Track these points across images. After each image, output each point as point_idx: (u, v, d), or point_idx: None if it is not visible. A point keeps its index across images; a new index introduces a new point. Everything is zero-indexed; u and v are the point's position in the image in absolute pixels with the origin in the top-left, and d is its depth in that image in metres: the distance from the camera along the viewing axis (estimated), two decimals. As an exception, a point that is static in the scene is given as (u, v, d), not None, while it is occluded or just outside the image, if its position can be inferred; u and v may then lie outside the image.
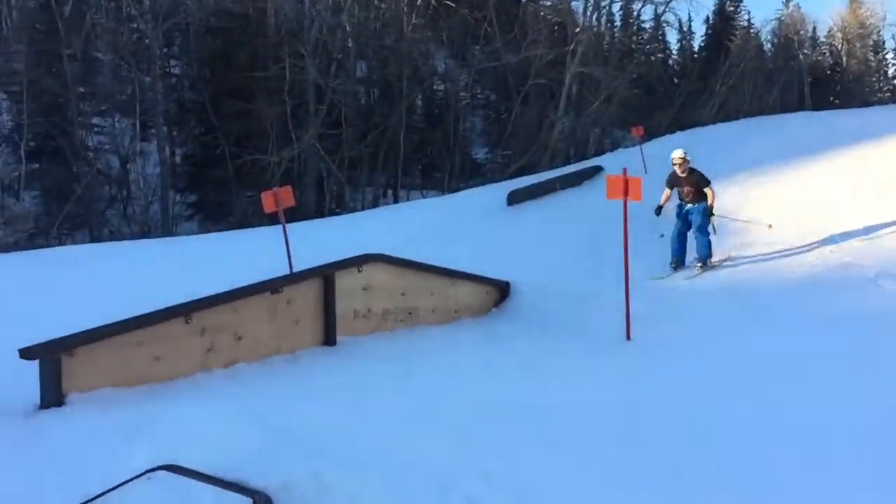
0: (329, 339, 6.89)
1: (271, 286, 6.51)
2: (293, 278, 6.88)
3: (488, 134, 36.44)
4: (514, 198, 17.73)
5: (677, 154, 10.51)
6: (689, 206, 10.38)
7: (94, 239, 24.14)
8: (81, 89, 26.80)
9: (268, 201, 9.71)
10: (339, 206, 27.45)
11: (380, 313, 7.50)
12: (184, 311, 5.73)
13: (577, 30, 32.23)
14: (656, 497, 3.50)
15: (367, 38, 30.56)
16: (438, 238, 14.51)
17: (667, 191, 10.67)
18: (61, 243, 23.13)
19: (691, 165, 10.43)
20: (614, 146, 31.39)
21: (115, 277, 10.45)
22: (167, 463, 3.53)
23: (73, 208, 25.00)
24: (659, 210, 10.66)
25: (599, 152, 28.80)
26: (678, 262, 10.41)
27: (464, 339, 7.32)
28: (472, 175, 32.21)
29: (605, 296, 8.66)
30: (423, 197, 27.46)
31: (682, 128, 28.60)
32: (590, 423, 4.62)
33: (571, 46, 30.49)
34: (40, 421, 4.59)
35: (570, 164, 26.51)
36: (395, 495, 3.23)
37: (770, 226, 11.23)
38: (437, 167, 32.34)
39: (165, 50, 30.01)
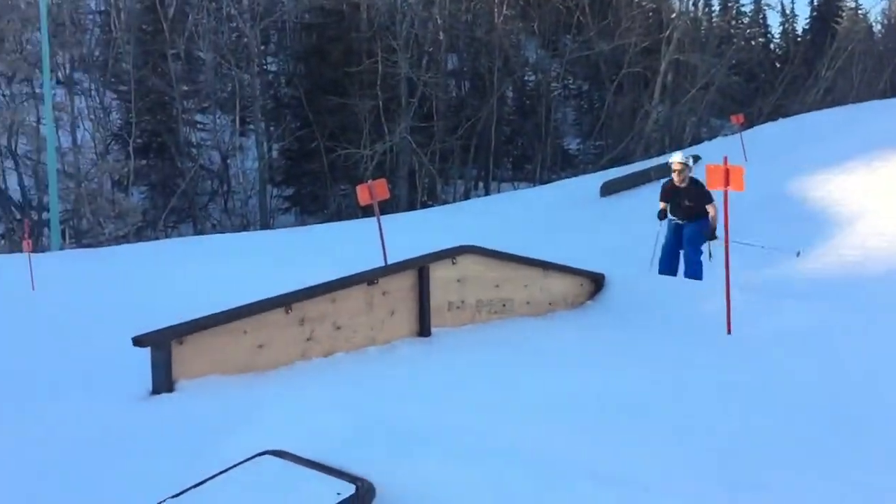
0: (424, 329, 6.93)
1: (368, 277, 6.59)
2: (389, 270, 6.94)
3: (580, 124, 35.98)
4: (608, 189, 17.49)
5: (677, 158, 9.14)
6: (685, 222, 9.19)
7: (198, 232, 25.14)
8: (185, 87, 27.92)
9: (363, 194, 9.83)
10: (431, 199, 27.67)
11: (473, 304, 7.49)
12: (284, 301, 5.87)
13: (673, 15, 31.50)
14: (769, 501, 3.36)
15: (458, 30, 30.63)
16: (531, 230, 14.45)
17: (662, 204, 9.61)
18: (167, 236, 24.22)
19: (693, 175, 9.12)
20: (711, 135, 30.46)
21: (217, 268, 10.82)
22: (272, 448, 3.63)
23: (177, 202, 26.12)
24: (663, 214, 9.63)
25: (695, 141, 28.02)
26: None
27: (560, 331, 7.23)
28: (563, 166, 31.90)
29: (703, 288, 8.42)
30: (515, 189, 27.38)
31: (785, 115, 27.55)
32: (699, 418, 4.47)
33: (667, 33, 29.79)
34: (152, 405, 4.79)
35: (665, 154, 25.91)
36: (496, 488, 3.21)
37: (798, 253, 10.31)
38: (528, 159, 32.18)
39: (263, 47, 30.90)
